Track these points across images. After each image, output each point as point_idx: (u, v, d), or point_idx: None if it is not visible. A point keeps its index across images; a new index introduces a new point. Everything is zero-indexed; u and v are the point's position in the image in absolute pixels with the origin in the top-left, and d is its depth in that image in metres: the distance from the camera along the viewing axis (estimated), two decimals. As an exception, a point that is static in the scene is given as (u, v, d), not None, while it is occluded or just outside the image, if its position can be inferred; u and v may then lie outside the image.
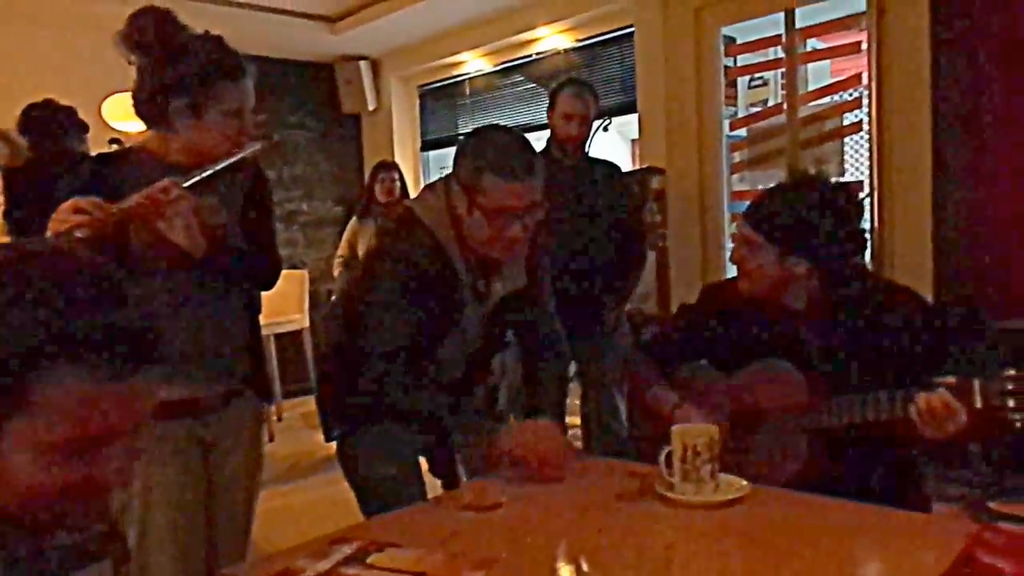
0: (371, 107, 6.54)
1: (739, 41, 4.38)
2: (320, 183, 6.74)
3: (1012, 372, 1.48)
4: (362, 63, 6.40)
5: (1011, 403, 1.47)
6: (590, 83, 3.49)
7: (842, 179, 3.78)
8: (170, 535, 1.81)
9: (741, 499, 1.50)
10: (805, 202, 1.79)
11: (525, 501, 1.58)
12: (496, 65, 5.84)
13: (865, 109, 3.75)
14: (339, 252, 5.29)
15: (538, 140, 2.50)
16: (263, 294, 2.10)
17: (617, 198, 3.36)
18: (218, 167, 1.75)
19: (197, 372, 1.84)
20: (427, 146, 6.63)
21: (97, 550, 0.99)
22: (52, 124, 3.40)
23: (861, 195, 3.65)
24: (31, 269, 0.78)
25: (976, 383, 1.50)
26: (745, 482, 1.55)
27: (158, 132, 1.84)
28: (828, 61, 4.24)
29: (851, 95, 3.91)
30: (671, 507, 1.51)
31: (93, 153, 2.80)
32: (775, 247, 1.79)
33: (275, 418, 5.56)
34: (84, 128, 3.55)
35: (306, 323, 5.68)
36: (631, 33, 4.77)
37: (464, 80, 6.16)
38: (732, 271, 1.94)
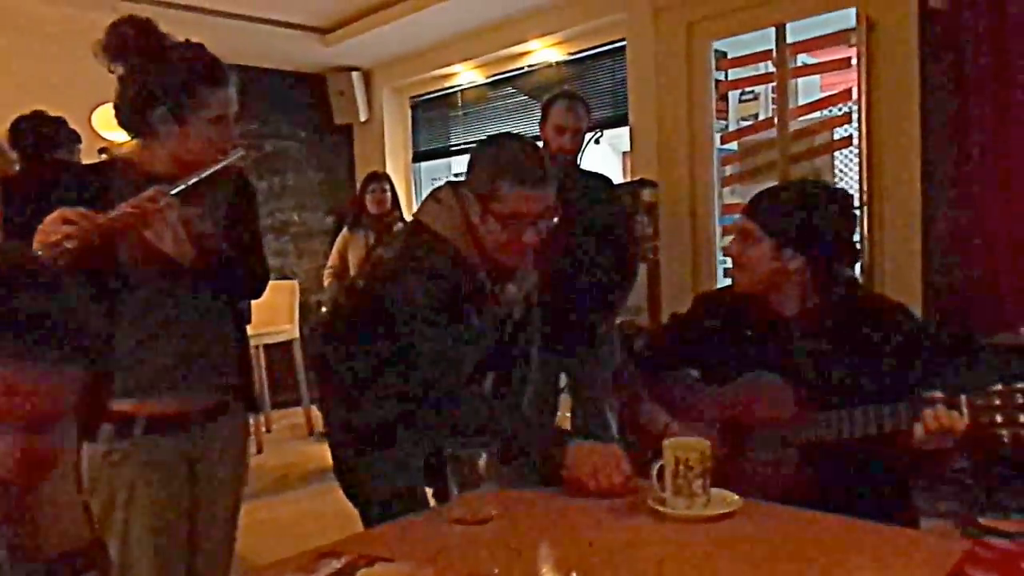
0: (363, 118, 6.54)
1: (730, 55, 4.40)
2: (311, 194, 6.73)
3: (999, 388, 1.48)
4: (354, 74, 6.40)
5: (998, 419, 1.47)
6: (583, 96, 3.50)
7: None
8: (152, 549, 1.79)
9: (733, 514, 1.50)
10: (804, 197, 1.83)
11: (516, 515, 1.57)
12: (488, 77, 5.85)
13: (855, 124, 3.77)
14: (329, 263, 5.28)
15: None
16: (254, 304, 2.09)
17: (608, 210, 3.36)
18: (203, 174, 1.74)
19: (184, 385, 1.82)
20: (419, 157, 6.63)
21: (85, 563, 0.98)
22: (43, 135, 3.39)
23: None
24: None
25: (963, 399, 1.51)
26: (737, 496, 1.54)
27: (142, 142, 1.83)
28: (818, 76, 4.27)
29: (841, 110, 3.93)
30: (663, 521, 1.50)
31: (85, 163, 2.80)
32: (771, 239, 1.80)
33: (264, 429, 5.53)
34: (76, 138, 3.54)
35: (296, 334, 5.66)
36: (623, 47, 4.79)
37: (456, 92, 6.17)
38: (723, 284, 1.95)
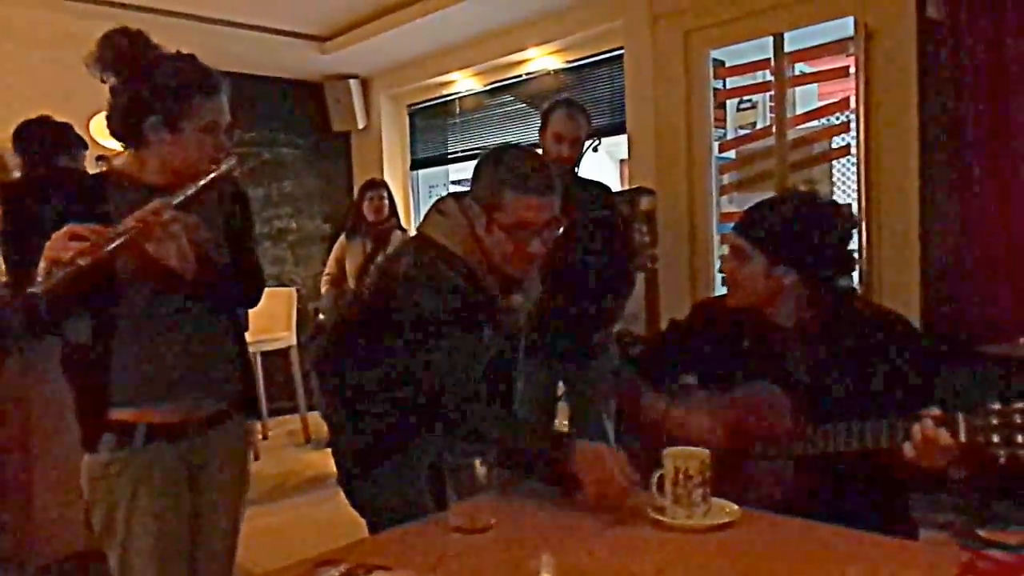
0: (360, 125, 6.54)
1: (728, 64, 4.41)
2: (309, 201, 6.73)
3: (997, 406, 1.46)
4: (352, 82, 6.41)
5: (995, 438, 1.45)
6: (582, 104, 3.50)
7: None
8: (153, 557, 1.79)
9: (732, 523, 1.49)
10: (793, 211, 1.81)
11: (515, 524, 1.56)
12: (486, 85, 5.86)
13: (853, 133, 3.78)
14: (327, 270, 5.28)
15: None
16: (251, 312, 2.09)
17: (606, 219, 3.36)
18: (202, 184, 1.73)
19: (184, 393, 1.83)
20: (416, 165, 6.64)
21: (78, 570, 0.98)
22: (48, 140, 3.39)
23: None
24: None
25: (960, 416, 1.49)
26: (736, 506, 1.54)
27: (134, 152, 1.82)
28: (815, 84, 4.28)
29: (839, 119, 3.94)
30: (661, 531, 1.50)
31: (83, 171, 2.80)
32: (763, 256, 1.80)
33: (261, 437, 5.51)
34: (82, 144, 3.53)
35: (293, 341, 5.65)
36: (621, 55, 4.80)
37: (454, 99, 6.18)
38: (721, 292, 1.95)
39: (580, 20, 4.95)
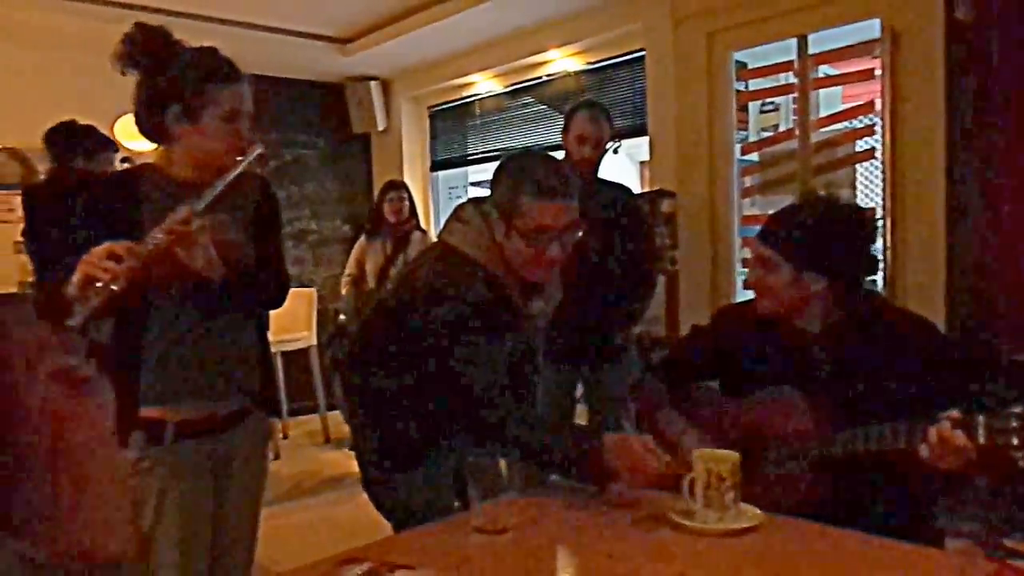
0: (381, 127, 6.56)
1: (751, 66, 4.38)
2: (329, 202, 6.77)
3: (1018, 410, 1.43)
4: (372, 83, 6.43)
5: (1015, 441, 1.42)
6: (605, 106, 3.49)
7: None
8: (177, 553, 1.82)
9: (756, 528, 1.48)
10: (817, 218, 1.81)
11: (536, 525, 1.56)
12: (506, 86, 5.86)
13: (878, 136, 3.74)
14: (347, 271, 5.29)
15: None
16: (272, 312, 2.10)
17: (627, 221, 3.35)
18: (227, 179, 1.74)
19: (211, 391, 1.86)
20: (436, 166, 6.65)
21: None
22: (73, 144, 3.44)
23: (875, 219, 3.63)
24: None
25: (980, 418, 1.47)
26: (759, 510, 1.53)
27: (161, 147, 1.85)
28: (839, 87, 4.24)
29: (863, 122, 3.90)
30: (683, 534, 1.48)
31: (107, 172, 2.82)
32: (790, 264, 1.79)
33: (281, 436, 5.54)
34: (111, 147, 3.57)
35: (313, 341, 5.69)
36: (642, 56, 4.78)
37: (474, 101, 6.19)
38: (742, 296, 1.94)
39: (601, 22, 4.93)
